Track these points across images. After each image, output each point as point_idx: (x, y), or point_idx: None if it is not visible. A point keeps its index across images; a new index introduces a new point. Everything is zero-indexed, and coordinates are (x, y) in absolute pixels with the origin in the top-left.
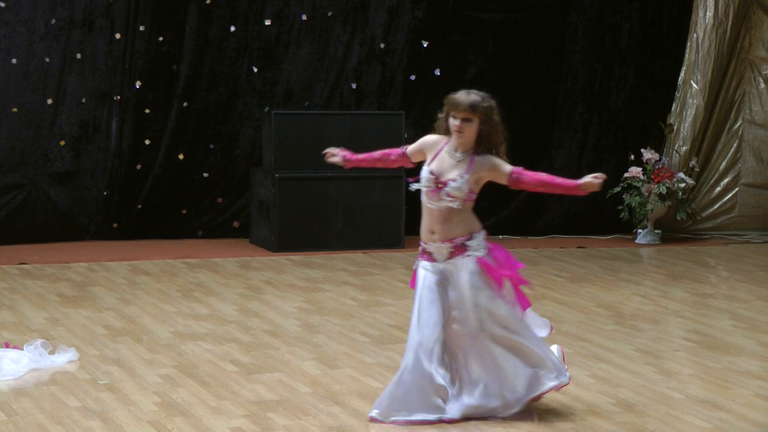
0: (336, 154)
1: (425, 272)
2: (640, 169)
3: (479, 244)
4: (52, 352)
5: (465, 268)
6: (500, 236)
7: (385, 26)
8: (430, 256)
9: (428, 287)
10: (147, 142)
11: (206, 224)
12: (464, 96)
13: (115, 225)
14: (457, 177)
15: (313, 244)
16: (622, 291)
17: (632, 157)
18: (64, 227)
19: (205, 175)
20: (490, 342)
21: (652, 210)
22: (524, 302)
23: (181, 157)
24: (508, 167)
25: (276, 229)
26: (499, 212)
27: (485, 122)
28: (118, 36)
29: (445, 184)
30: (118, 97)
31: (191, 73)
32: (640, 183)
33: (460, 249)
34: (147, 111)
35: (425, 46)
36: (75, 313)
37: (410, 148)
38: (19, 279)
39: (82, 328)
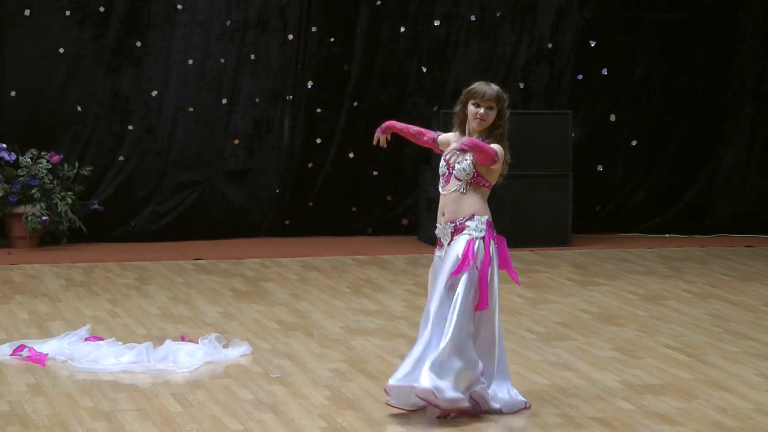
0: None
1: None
2: None
3: (477, 226)
4: (226, 346)
5: (457, 243)
6: (667, 234)
7: (553, 26)
8: (439, 241)
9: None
10: (318, 140)
11: (375, 221)
12: (488, 87)
13: (287, 222)
14: (462, 160)
15: None
16: None
17: None
18: (237, 224)
19: (375, 173)
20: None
21: None
22: (482, 303)
23: (351, 155)
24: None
25: None
26: (666, 211)
27: (501, 113)
28: (290, 37)
29: (453, 167)
30: (291, 97)
31: (362, 73)
32: None
33: (459, 229)
34: (318, 110)
35: (593, 46)
36: (248, 308)
37: (441, 136)
38: (194, 274)
39: (254, 323)
